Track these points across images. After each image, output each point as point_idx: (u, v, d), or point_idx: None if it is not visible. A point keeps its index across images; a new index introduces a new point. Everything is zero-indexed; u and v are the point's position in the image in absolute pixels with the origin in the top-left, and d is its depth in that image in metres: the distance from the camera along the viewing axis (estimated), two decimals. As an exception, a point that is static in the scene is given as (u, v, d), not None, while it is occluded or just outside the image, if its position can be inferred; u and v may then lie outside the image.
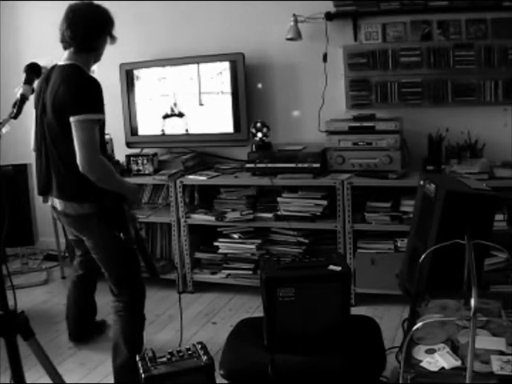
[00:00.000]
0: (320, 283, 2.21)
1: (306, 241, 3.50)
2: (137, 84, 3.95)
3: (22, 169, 3.81)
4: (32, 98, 2.18)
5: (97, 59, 2.50)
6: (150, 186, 3.88)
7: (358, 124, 3.40)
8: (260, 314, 2.37)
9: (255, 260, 3.57)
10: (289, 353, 2.17)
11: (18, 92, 1.77)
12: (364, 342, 2.27)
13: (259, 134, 3.62)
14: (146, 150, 3.99)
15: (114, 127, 3.68)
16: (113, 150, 3.94)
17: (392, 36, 3.49)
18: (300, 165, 3.44)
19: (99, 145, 2.32)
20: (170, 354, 2.12)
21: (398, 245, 3.26)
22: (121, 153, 3.91)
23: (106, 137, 3.39)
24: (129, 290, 2.54)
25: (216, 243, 3.67)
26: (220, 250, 3.67)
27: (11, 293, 1.68)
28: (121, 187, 2.42)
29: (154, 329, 3.20)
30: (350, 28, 3.54)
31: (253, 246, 3.56)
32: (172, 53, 3.88)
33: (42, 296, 3.80)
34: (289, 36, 3.57)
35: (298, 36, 3.57)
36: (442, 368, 1.71)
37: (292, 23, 3.56)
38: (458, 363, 1.72)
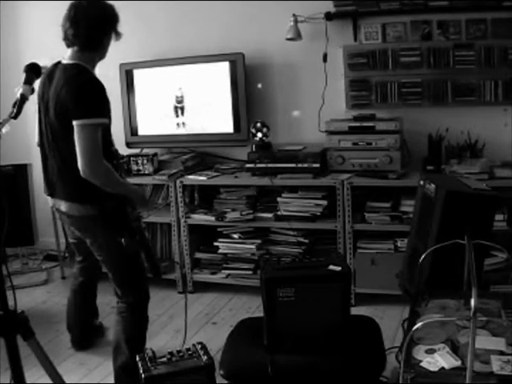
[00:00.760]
0: (320, 283, 2.21)
1: (306, 241, 3.50)
2: (137, 84, 3.95)
3: (22, 169, 3.81)
4: (32, 97, 2.17)
5: (102, 57, 2.42)
6: (150, 185, 3.88)
7: (358, 124, 3.40)
8: (260, 314, 2.37)
9: (255, 260, 3.57)
10: (289, 353, 2.17)
11: (18, 92, 1.76)
12: (364, 342, 2.27)
13: (259, 134, 3.62)
14: (145, 150, 3.99)
15: (114, 127, 3.58)
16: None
17: (392, 36, 3.49)
18: (300, 165, 3.44)
19: (102, 145, 2.26)
20: (170, 354, 2.12)
21: (398, 245, 3.26)
22: (121, 153, 3.90)
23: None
24: (133, 291, 2.51)
25: (216, 243, 3.66)
26: (220, 250, 3.66)
27: (11, 293, 1.68)
28: (125, 190, 2.39)
29: (154, 329, 3.19)
30: (350, 28, 3.54)
31: (253, 246, 3.56)
32: (172, 53, 3.88)
33: (42, 296, 3.80)
34: (289, 36, 3.57)
35: (297, 36, 3.57)
36: (442, 368, 1.71)
37: (292, 23, 3.56)
38: (458, 363, 1.72)
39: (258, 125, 3.62)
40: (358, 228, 3.32)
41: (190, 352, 2.15)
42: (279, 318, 2.20)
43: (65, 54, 2.36)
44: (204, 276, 3.74)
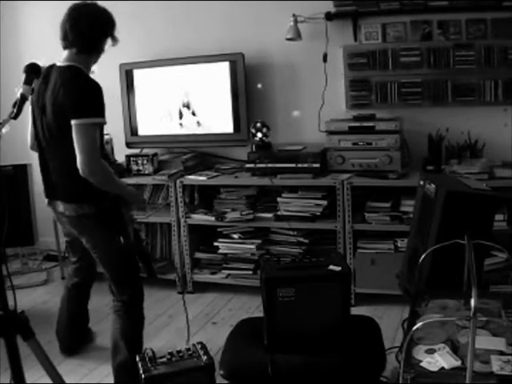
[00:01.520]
0: (320, 283, 2.21)
1: (306, 241, 3.50)
2: (137, 84, 3.95)
3: (22, 169, 3.81)
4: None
5: (96, 60, 2.48)
6: (150, 186, 3.88)
7: (357, 124, 3.40)
8: (260, 314, 2.37)
9: (255, 260, 3.57)
10: (289, 353, 2.17)
11: (18, 92, 1.76)
12: (364, 342, 2.27)
13: (259, 134, 3.62)
14: (145, 150, 3.99)
15: (114, 127, 3.68)
16: (113, 150, 3.95)
17: (392, 36, 3.49)
18: (300, 165, 3.44)
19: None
20: (170, 354, 2.13)
21: (398, 245, 3.26)
22: (121, 153, 3.92)
23: (106, 137, 3.40)
24: (129, 289, 2.54)
25: (216, 243, 3.66)
26: (220, 250, 3.66)
27: (11, 293, 1.68)
28: (121, 190, 2.44)
29: (154, 329, 3.20)
30: (350, 28, 3.54)
31: (253, 246, 3.56)
32: (172, 53, 3.88)
33: (42, 296, 3.80)
34: (289, 36, 3.57)
35: (297, 36, 3.57)
36: (442, 368, 1.71)
37: (292, 23, 3.56)
38: (458, 363, 1.72)
39: (258, 125, 3.62)
40: (358, 228, 3.32)
41: (189, 352, 2.15)
42: (279, 317, 2.20)
43: (61, 56, 2.39)
44: (204, 276, 3.74)
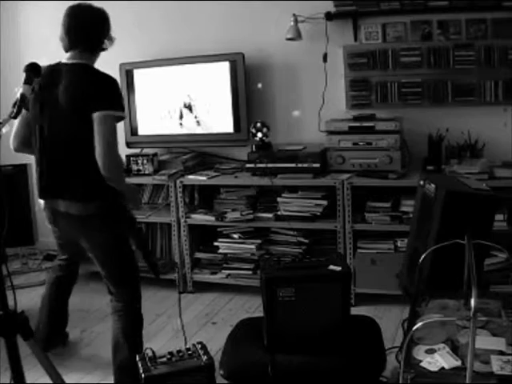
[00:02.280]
0: (320, 283, 2.21)
1: (306, 241, 3.50)
2: (137, 84, 3.95)
3: (22, 169, 3.81)
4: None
5: (96, 59, 2.48)
6: (150, 185, 3.88)
7: (357, 124, 3.40)
8: (260, 314, 2.37)
9: (255, 260, 3.57)
10: (289, 353, 2.17)
11: (18, 92, 1.76)
12: (364, 342, 2.27)
13: (259, 134, 3.62)
14: (146, 150, 3.99)
15: None
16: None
17: (392, 36, 3.49)
18: (300, 165, 3.44)
19: None
20: (170, 354, 2.13)
21: (398, 245, 3.26)
22: (121, 153, 3.89)
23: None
24: (128, 289, 2.54)
25: (216, 243, 3.66)
26: (220, 250, 3.66)
27: (11, 293, 1.68)
28: (126, 186, 2.48)
29: (154, 329, 3.20)
30: (350, 28, 3.54)
31: (253, 246, 3.56)
32: (172, 53, 3.88)
33: (42, 296, 3.79)
34: (289, 36, 3.57)
35: (297, 36, 3.57)
36: (442, 368, 1.71)
37: (292, 23, 3.56)
38: (458, 363, 1.72)
39: (258, 125, 3.62)
40: (358, 228, 3.32)
41: (189, 352, 2.15)
42: (279, 317, 2.20)
43: (64, 55, 2.39)
44: (204, 276, 3.74)
